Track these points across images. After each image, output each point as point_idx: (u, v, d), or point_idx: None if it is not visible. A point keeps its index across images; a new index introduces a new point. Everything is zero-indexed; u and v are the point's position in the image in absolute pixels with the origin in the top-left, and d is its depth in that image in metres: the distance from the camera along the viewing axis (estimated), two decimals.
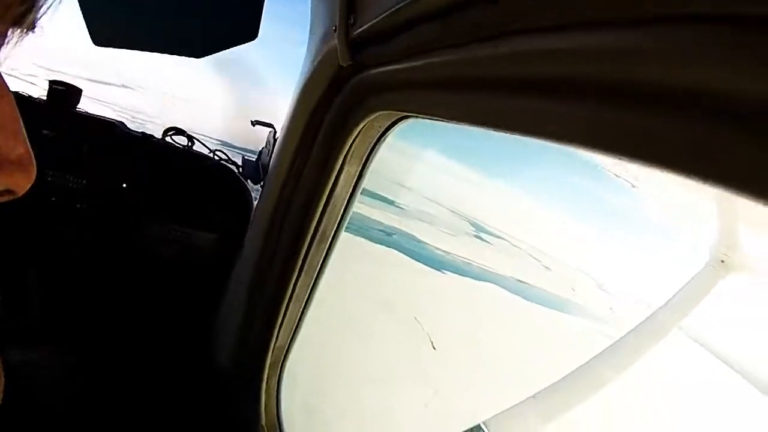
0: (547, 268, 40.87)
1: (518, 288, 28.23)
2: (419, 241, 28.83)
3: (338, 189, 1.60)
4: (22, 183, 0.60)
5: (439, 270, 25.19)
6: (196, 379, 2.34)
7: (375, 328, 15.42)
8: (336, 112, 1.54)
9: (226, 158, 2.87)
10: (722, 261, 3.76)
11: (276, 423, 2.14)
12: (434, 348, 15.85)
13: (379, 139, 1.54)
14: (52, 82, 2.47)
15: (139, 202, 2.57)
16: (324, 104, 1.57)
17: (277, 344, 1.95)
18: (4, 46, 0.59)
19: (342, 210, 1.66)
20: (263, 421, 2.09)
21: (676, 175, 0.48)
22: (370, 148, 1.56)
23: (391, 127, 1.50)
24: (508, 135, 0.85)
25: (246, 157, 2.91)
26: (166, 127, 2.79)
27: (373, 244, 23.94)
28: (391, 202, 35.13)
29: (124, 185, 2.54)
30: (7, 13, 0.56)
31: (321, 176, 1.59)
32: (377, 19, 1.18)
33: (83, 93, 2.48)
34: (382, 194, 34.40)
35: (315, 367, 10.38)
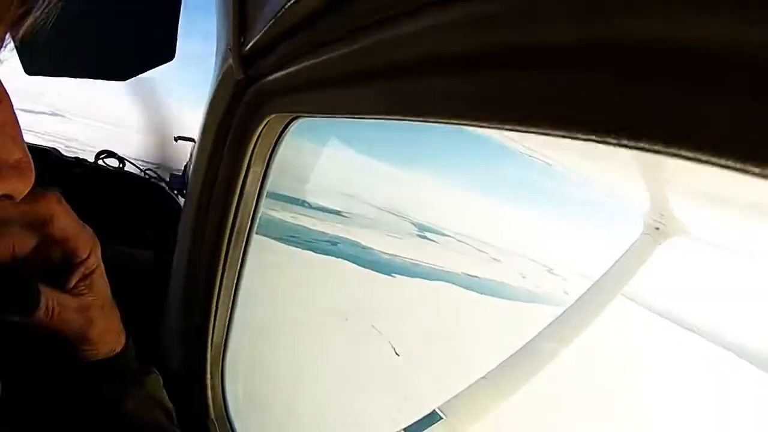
0: (495, 259, 41.32)
1: (470, 283, 28.50)
2: (365, 247, 28.68)
3: (247, 188, 1.77)
4: (21, 188, 0.60)
5: (388, 274, 25.13)
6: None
7: (335, 339, 15.36)
8: (238, 120, 1.70)
9: (156, 176, 2.97)
10: (657, 228, 3.84)
11: (224, 415, 2.23)
12: (397, 354, 15.94)
13: (278, 140, 1.73)
14: None
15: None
16: (228, 114, 1.74)
17: (214, 341, 2.06)
18: (3, 49, 0.58)
19: (253, 207, 1.83)
20: (212, 415, 2.18)
21: (558, 134, 0.49)
22: (271, 149, 1.75)
23: (287, 128, 1.70)
24: (403, 123, 0.93)
25: (173, 173, 2.98)
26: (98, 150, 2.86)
27: (319, 255, 23.82)
28: (336, 212, 35.01)
29: None
30: (6, 15, 0.54)
31: (232, 178, 1.75)
32: (260, 35, 1.35)
33: None
34: (322, 204, 34.31)
35: (276, 386, 10.34)
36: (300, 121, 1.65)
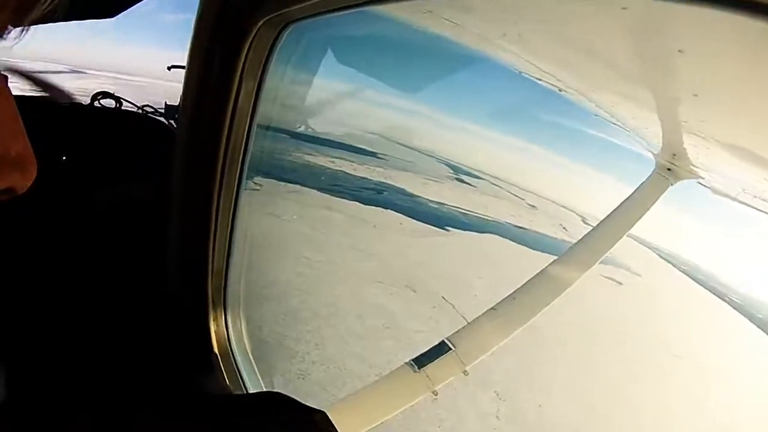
0: (532, 206, 40.54)
1: (519, 236, 27.92)
2: (411, 195, 27.96)
3: (240, 106, 1.67)
4: (22, 182, 0.60)
5: (442, 228, 24.32)
6: (154, 316, 2.37)
7: (408, 323, 12.87)
8: (225, 33, 1.59)
9: (153, 110, 2.90)
10: (669, 169, 3.75)
11: (228, 350, 2.21)
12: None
13: (270, 52, 1.62)
14: None
15: (81, 171, 2.56)
16: (214, 28, 1.61)
17: (215, 269, 2.02)
18: (7, 35, 0.58)
19: (247, 127, 1.74)
20: (215, 349, 2.17)
21: None
22: (263, 61, 1.63)
23: (279, 36, 1.58)
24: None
25: (168, 103, 2.91)
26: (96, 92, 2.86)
27: (367, 207, 22.75)
28: (372, 154, 34.56)
29: (64, 158, 2.57)
30: (9, 1, 0.54)
31: (223, 97, 1.65)
32: None
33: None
34: (359, 146, 33.77)
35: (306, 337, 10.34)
36: (292, 28, 1.56)
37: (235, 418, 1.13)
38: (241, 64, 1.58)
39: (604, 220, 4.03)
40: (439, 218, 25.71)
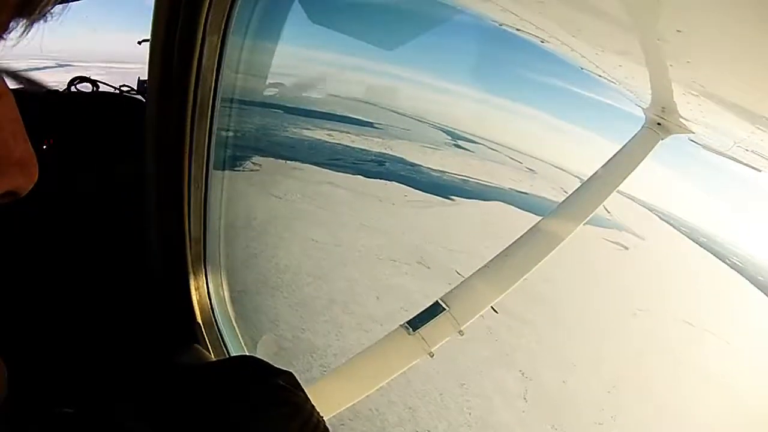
0: (531, 170, 40.60)
1: (522, 201, 28.02)
2: (412, 165, 27.92)
3: (205, 61, 1.64)
4: (24, 184, 0.60)
5: (447, 197, 24.40)
6: (136, 287, 2.36)
7: (427, 303, 13.14)
8: None
9: (129, 89, 2.94)
10: (659, 123, 3.72)
11: (212, 319, 2.21)
12: (495, 311, 13.87)
13: (231, 7, 1.60)
14: None
15: (64, 156, 2.58)
16: None
17: (193, 236, 2.00)
18: (8, 34, 0.55)
19: (213, 82, 1.71)
20: (198, 318, 2.16)
21: None
22: (225, 16, 1.61)
23: None
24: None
25: (141, 78, 2.93)
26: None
27: (370, 180, 22.81)
28: (369, 124, 34.48)
29: (45, 147, 2.56)
30: (8, 1, 0.52)
31: (188, 53, 1.61)
32: None
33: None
34: (355, 116, 33.66)
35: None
36: None
37: (192, 386, 1.11)
38: (203, 20, 1.55)
39: (593, 175, 4.01)
40: (443, 187, 25.79)
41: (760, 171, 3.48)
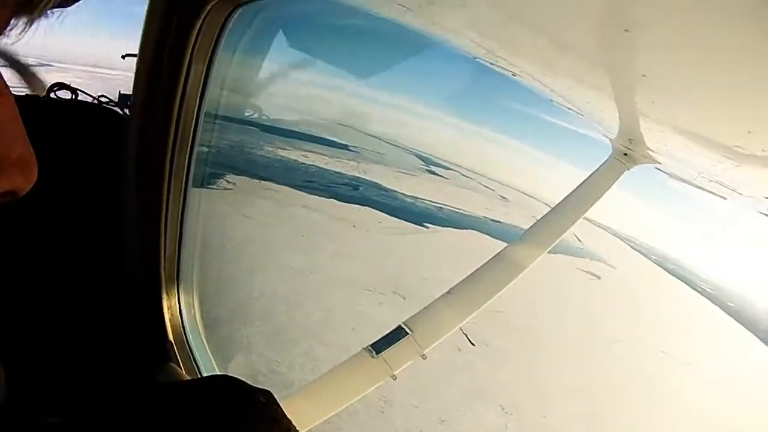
0: (503, 198, 40.76)
1: (496, 230, 28.07)
2: (386, 190, 27.83)
3: (189, 89, 1.67)
4: (23, 184, 0.61)
5: (421, 224, 24.31)
6: (114, 304, 2.34)
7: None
8: (176, 17, 1.57)
9: (108, 101, 2.90)
10: (625, 154, 3.81)
11: (183, 338, 2.22)
12: (472, 344, 13.81)
13: (220, 34, 1.63)
14: None
15: (40, 163, 2.54)
16: (165, 11, 1.59)
17: (167, 255, 2.03)
18: (8, 31, 0.57)
19: (196, 110, 1.74)
20: (170, 336, 2.18)
21: None
22: (213, 44, 1.64)
23: (228, 18, 1.59)
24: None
25: (122, 92, 2.90)
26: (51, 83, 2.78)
27: (344, 204, 22.67)
28: (344, 146, 34.45)
29: None
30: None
31: (172, 79, 1.64)
32: None
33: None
34: (330, 138, 33.64)
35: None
36: (244, 10, 1.58)
37: (177, 404, 1.14)
38: (190, 47, 1.58)
39: (560, 203, 4.07)
40: (417, 214, 25.71)
41: (725, 199, 3.57)
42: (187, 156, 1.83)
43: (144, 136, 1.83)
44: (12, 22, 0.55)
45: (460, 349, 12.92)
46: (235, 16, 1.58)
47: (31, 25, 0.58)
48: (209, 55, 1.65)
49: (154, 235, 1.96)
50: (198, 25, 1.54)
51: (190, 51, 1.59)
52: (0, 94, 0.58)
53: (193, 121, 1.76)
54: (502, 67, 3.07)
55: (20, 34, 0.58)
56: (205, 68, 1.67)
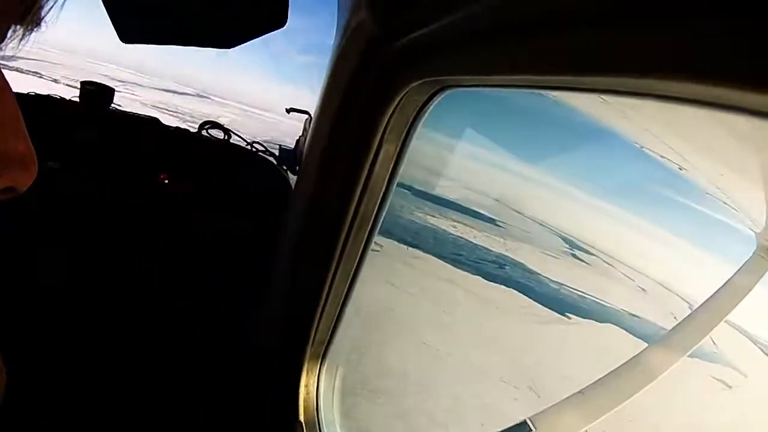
0: (642, 289, 38.88)
1: (637, 328, 26.83)
2: (531, 272, 27.24)
3: (376, 170, 1.51)
4: (24, 181, 0.60)
5: (563, 314, 23.58)
6: (236, 367, 2.40)
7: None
8: (369, 89, 1.44)
9: (263, 149, 2.98)
10: None
11: (315, 420, 2.06)
12: None
13: (417, 115, 1.45)
14: (84, 83, 2.71)
15: (181, 195, 2.70)
16: (356, 81, 1.48)
17: (317, 338, 1.91)
18: (8, 40, 0.59)
19: (382, 193, 1.58)
20: (302, 417, 2.03)
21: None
22: (408, 124, 1.47)
23: (430, 100, 1.40)
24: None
25: (283, 147, 3.02)
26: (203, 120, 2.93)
27: (489, 283, 21.71)
28: (491, 221, 34.34)
29: (166, 181, 2.68)
30: (10, 8, 0.56)
31: (357, 157, 1.51)
32: None
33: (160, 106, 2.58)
34: (480, 210, 33.80)
35: None
36: (447, 93, 1.35)
37: None
38: (383, 126, 1.43)
39: (702, 305, 3.87)
40: (560, 302, 25.00)
41: None
42: (364, 241, 1.67)
43: (315, 212, 1.71)
44: (11, 32, 0.58)
45: None
46: (439, 97, 1.38)
47: (29, 35, 0.60)
48: (404, 135, 1.48)
49: (307, 313, 1.83)
50: (395, 103, 1.38)
51: (382, 129, 1.43)
52: (1, 93, 0.56)
53: (377, 205, 1.59)
54: (668, 159, 2.90)
55: (20, 43, 0.60)
56: (398, 148, 1.50)
